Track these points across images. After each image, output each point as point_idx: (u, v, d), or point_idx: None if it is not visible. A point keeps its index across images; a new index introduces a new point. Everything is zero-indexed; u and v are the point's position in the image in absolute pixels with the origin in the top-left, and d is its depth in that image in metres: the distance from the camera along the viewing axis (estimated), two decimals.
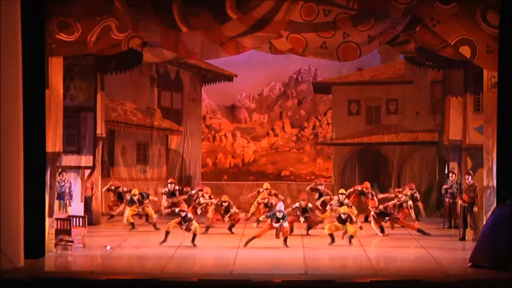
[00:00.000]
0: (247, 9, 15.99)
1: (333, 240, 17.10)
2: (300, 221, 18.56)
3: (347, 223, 17.15)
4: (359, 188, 21.14)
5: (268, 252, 16.21)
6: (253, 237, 16.73)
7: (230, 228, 19.18)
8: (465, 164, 19.36)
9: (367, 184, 21.26)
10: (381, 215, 18.95)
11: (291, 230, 18.20)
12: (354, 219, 17.68)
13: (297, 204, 18.72)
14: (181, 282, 13.35)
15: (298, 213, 18.52)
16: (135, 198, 19.69)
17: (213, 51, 16.83)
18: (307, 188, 21.61)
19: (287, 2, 16.02)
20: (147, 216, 19.88)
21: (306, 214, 18.57)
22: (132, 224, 19.64)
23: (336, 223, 17.41)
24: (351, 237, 17.08)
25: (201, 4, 16.06)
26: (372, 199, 20.63)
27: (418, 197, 20.83)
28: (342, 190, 20.08)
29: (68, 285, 13.25)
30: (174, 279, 13.51)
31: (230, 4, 15.97)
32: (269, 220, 17.07)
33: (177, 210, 17.32)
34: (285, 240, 16.81)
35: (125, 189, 21.09)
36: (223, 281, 13.48)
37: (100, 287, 13.29)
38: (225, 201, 19.33)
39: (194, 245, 16.76)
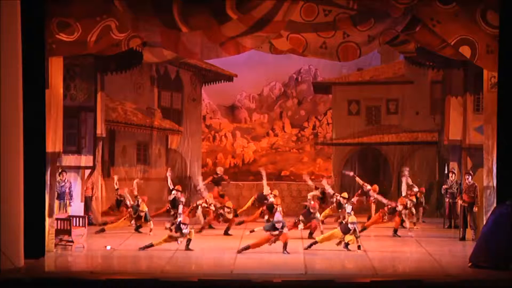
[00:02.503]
0: (247, 9, 16.00)
1: (314, 244, 16.59)
2: (297, 228, 18.05)
3: (348, 234, 16.47)
4: (368, 187, 20.96)
5: (268, 252, 16.18)
6: (248, 246, 16.19)
7: (226, 232, 19.04)
8: (465, 164, 19.37)
9: (376, 187, 21.07)
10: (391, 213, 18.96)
11: None
12: (358, 231, 16.79)
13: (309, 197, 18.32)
14: (181, 282, 13.37)
15: (301, 217, 18.04)
16: (142, 214, 18.99)
17: (213, 51, 16.83)
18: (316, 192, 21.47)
19: (287, 2, 16.02)
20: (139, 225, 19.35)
21: (309, 221, 18.09)
22: (103, 230, 18.88)
23: (335, 231, 16.72)
24: (348, 243, 16.52)
25: (201, 4, 16.06)
26: (374, 202, 20.70)
27: (423, 202, 20.81)
28: (344, 194, 19.91)
29: (68, 285, 13.27)
30: (174, 279, 13.52)
31: (230, 4, 15.96)
32: (268, 232, 16.38)
33: (178, 220, 16.72)
34: (285, 246, 16.23)
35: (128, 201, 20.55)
36: (223, 281, 13.49)
37: (100, 287, 13.31)
38: (228, 207, 19.16)
39: (190, 249, 16.40)
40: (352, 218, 16.80)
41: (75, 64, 18.33)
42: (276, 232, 16.27)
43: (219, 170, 22.68)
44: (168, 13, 16.04)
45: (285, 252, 16.18)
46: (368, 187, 20.94)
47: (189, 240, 16.52)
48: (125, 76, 21.95)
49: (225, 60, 22.94)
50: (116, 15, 16.09)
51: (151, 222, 18.96)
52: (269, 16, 16.02)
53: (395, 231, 18.87)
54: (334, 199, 19.95)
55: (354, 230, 16.49)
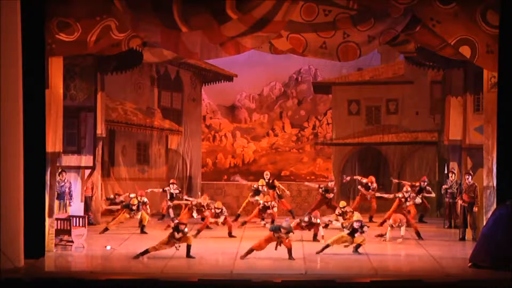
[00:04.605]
0: (247, 9, 16.00)
1: (326, 247, 16.33)
2: (306, 230, 17.80)
3: (357, 234, 16.28)
4: (364, 181, 21.27)
5: (268, 252, 16.14)
6: (251, 250, 15.80)
7: (230, 234, 18.85)
8: (465, 164, 19.36)
9: (372, 178, 21.37)
10: None
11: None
12: (366, 227, 16.58)
13: (306, 219, 17.66)
14: (181, 282, 13.37)
15: (304, 225, 17.75)
16: (134, 207, 19.09)
17: (213, 51, 16.82)
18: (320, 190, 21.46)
19: (287, 2, 16.02)
20: (140, 220, 19.32)
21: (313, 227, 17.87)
22: (106, 229, 18.93)
23: (344, 234, 16.43)
24: (358, 246, 16.36)
25: (201, 4, 16.07)
26: (374, 193, 20.91)
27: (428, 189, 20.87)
28: (343, 203, 19.26)
29: (68, 285, 13.27)
30: (174, 279, 13.53)
31: (230, 4, 15.97)
32: (272, 233, 16.00)
33: (175, 223, 16.30)
34: (289, 252, 15.83)
35: (122, 198, 21.09)
36: (223, 281, 13.50)
37: (100, 287, 13.31)
38: (218, 208, 18.92)
39: (192, 257, 15.90)
40: (356, 216, 16.73)
41: (75, 64, 18.32)
42: (279, 235, 15.91)
43: (266, 175, 22.16)
44: (168, 13, 16.04)
45: (291, 258, 15.74)
46: (365, 180, 21.38)
47: (189, 246, 16.02)
48: (125, 76, 21.96)
49: (225, 60, 22.96)
50: (116, 15, 16.09)
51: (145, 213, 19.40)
52: (269, 16, 16.02)
53: (418, 234, 18.45)
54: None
55: (361, 227, 16.27)
